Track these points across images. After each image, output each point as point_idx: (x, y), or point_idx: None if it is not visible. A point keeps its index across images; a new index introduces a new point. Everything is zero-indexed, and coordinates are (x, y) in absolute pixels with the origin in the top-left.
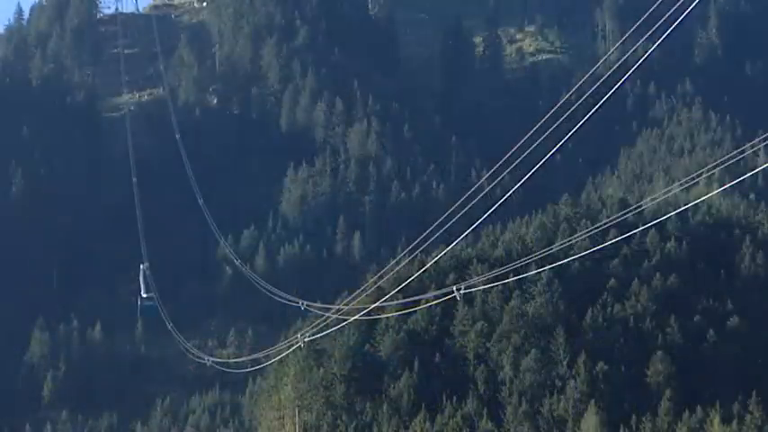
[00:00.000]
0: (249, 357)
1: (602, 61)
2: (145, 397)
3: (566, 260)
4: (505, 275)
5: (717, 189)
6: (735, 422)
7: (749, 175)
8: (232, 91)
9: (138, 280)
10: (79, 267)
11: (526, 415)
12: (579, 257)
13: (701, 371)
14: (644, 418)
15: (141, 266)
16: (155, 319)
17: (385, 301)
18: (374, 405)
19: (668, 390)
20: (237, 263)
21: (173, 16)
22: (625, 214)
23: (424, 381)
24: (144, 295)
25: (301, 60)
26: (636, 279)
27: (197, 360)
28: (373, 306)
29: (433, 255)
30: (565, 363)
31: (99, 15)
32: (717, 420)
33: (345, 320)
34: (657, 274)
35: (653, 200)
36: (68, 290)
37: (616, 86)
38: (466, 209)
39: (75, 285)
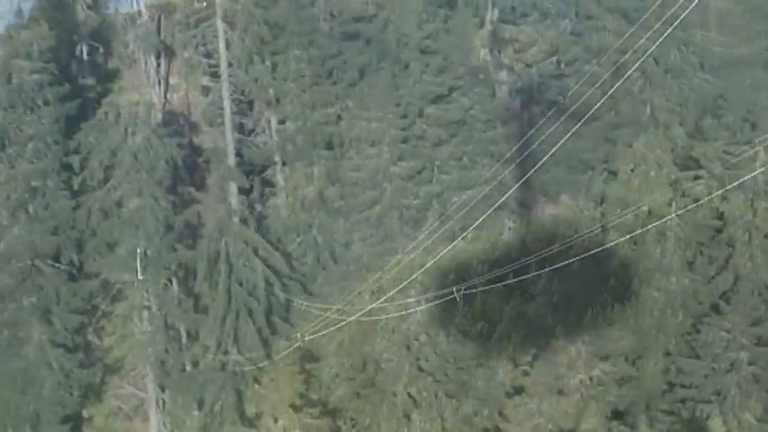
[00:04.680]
0: (248, 357)
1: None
2: None
3: (566, 261)
4: (505, 275)
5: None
6: (735, 422)
7: (749, 176)
8: None
9: None
10: None
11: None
12: (579, 258)
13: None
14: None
15: (138, 250)
16: None
17: (385, 300)
18: (374, 405)
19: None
20: None
21: None
22: (625, 214)
23: None
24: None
25: None
26: (636, 279)
27: None
28: (373, 306)
29: (433, 255)
30: (565, 363)
31: None
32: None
33: (345, 320)
34: (657, 275)
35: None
36: None
37: (616, 86)
38: (466, 209)
39: None
